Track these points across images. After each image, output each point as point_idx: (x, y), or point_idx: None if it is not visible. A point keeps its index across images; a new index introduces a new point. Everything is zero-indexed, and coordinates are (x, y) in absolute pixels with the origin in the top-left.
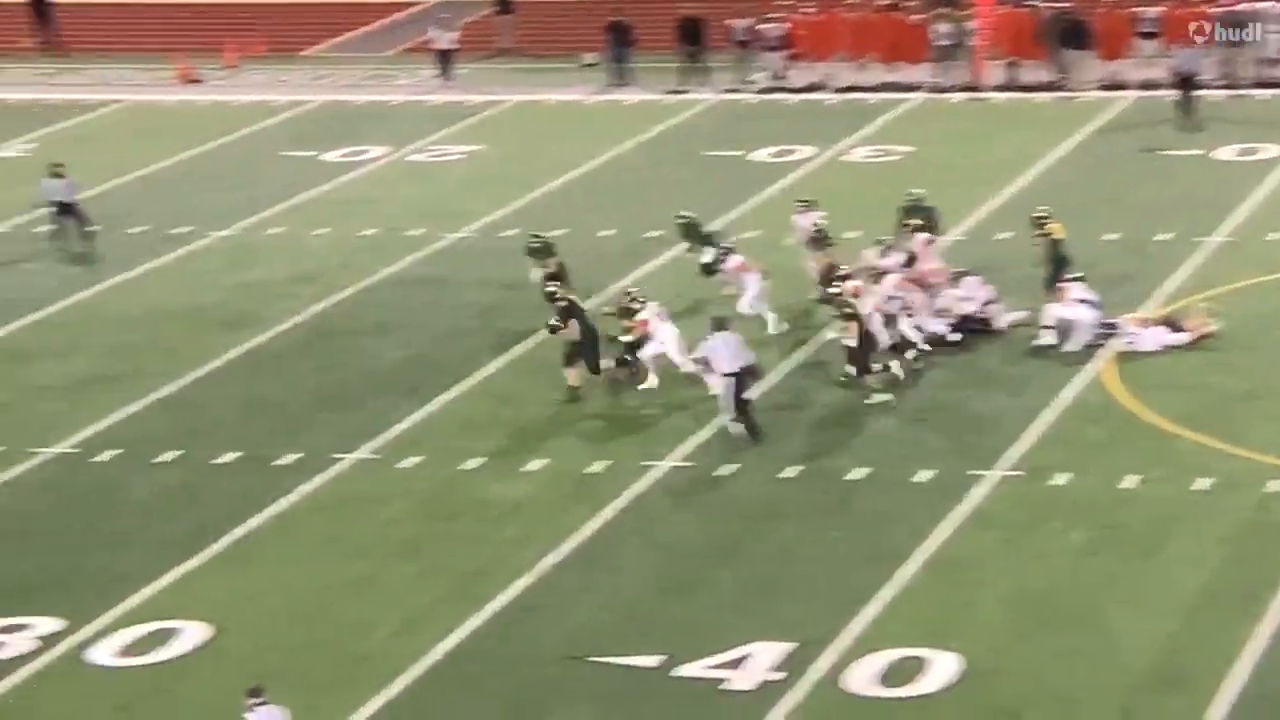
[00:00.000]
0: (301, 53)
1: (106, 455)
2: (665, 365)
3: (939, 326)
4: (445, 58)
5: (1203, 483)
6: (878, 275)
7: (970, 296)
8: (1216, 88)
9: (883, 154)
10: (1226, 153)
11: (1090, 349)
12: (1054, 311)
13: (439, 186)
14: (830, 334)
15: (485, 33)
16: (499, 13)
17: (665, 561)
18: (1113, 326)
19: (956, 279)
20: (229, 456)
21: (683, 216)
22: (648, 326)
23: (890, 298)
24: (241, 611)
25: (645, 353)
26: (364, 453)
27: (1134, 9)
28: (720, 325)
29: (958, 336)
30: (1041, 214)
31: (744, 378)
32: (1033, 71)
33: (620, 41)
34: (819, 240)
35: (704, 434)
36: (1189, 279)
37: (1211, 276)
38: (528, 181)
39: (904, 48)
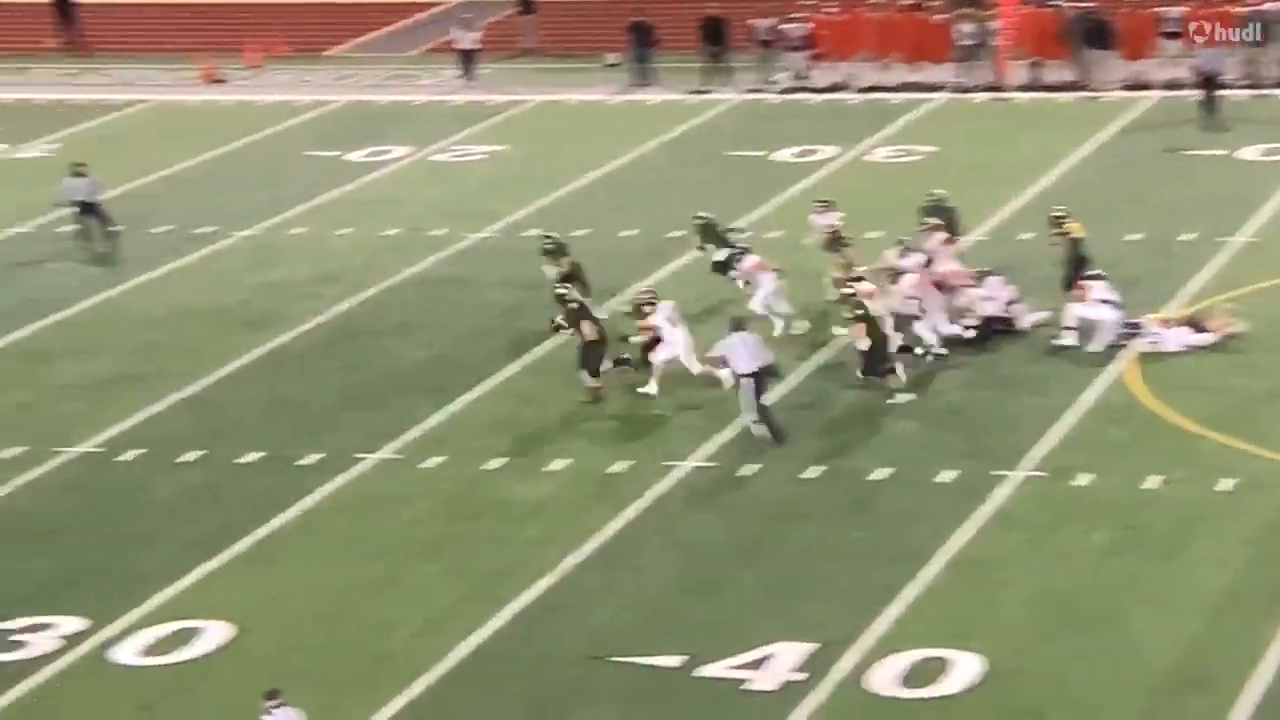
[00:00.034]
0: (325, 53)
1: (130, 455)
2: (677, 369)
3: (953, 328)
4: (468, 58)
5: (1226, 483)
6: (895, 275)
7: (993, 296)
8: (1240, 88)
9: (905, 154)
10: (1250, 153)
11: (1113, 349)
12: (1076, 311)
13: (462, 186)
14: (838, 331)
15: (508, 33)
16: (521, 13)
17: (687, 561)
18: (1136, 327)
19: (980, 279)
20: (252, 456)
21: (700, 217)
22: (656, 330)
23: (908, 299)
24: (264, 611)
25: (656, 357)
26: (386, 453)
27: (1157, 9)
28: (739, 325)
29: (971, 333)
30: (1060, 213)
31: (762, 378)
32: (1056, 71)
33: (643, 41)
34: (835, 241)
35: (726, 434)
36: (1212, 279)
37: (1235, 277)
38: (550, 181)
39: (927, 48)
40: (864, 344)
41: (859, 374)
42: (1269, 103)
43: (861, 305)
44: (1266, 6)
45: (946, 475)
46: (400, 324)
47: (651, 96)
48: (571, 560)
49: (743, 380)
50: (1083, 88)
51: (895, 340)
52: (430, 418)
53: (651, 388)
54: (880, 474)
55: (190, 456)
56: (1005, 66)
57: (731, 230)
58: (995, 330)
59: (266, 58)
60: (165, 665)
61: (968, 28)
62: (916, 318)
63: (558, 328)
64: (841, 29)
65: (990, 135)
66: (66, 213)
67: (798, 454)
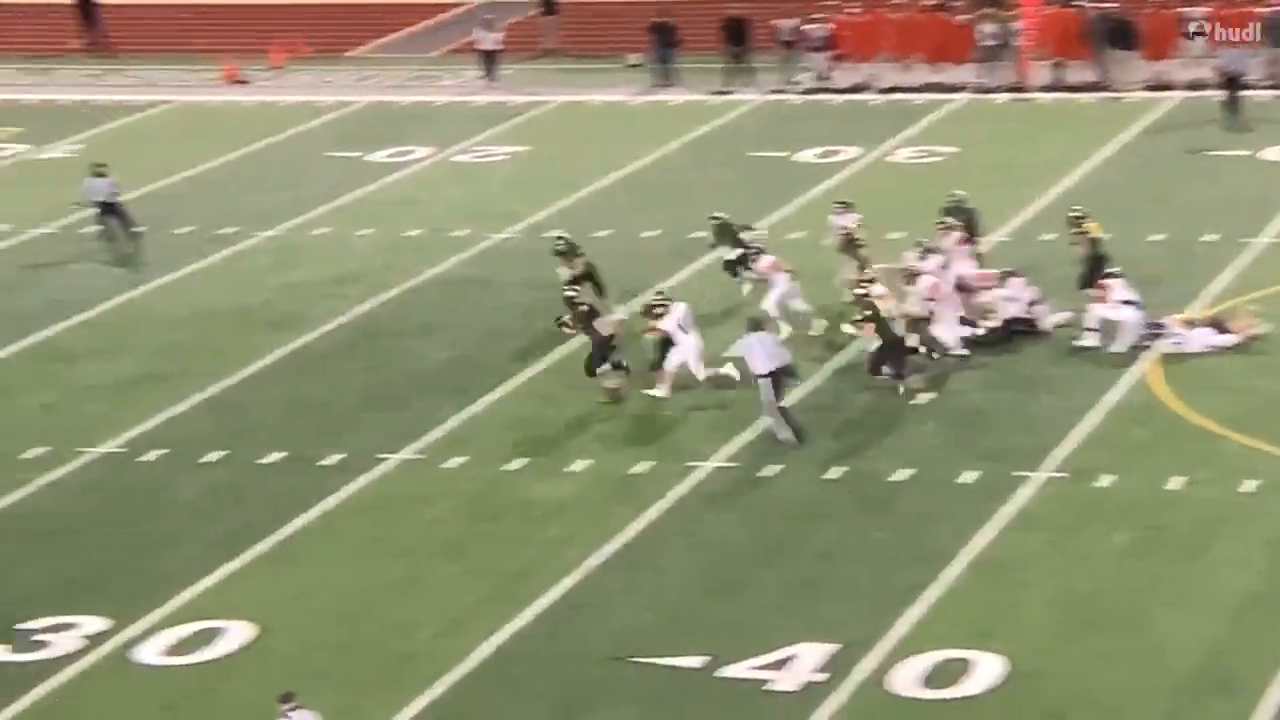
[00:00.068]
0: (347, 54)
1: (152, 455)
2: (687, 372)
3: (963, 331)
4: (490, 58)
5: (1249, 484)
6: (911, 277)
7: (1015, 297)
8: (1263, 88)
9: (927, 155)
10: (1273, 153)
11: (1135, 350)
12: (1097, 312)
13: (483, 187)
14: (846, 329)
15: (530, 33)
16: (544, 13)
17: (709, 562)
18: (1160, 327)
19: (1003, 279)
20: (274, 457)
21: (716, 217)
22: (665, 333)
23: (923, 300)
24: (286, 611)
25: (668, 361)
26: (408, 453)
27: (1180, 9)
28: (756, 325)
29: (982, 331)
30: (1078, 213)
31: (780, 378)
32: (1078, 72)
33: (665, 42)
34: (850, 243)
35: (747, 435)
36: (1235, 280)
37: (1258, 278)
38: (572, 182)
39: (949, 48)
40: (874, 343)
41: (868, 373)
42: None
43: (871, 305)
44: None
45: (968, 476)
46: (422, 324)
47: (673, 97)
48: (593, 560)
49: (760, 380)
50: (1105, 88)
51: (910, 341)
52: (452, 418)
53: (662, 391)
54: (902, 475)
55: (212, 457)
56: (1027, 67)
57: (747, 229)
58: (1017, 331)
59: (289, 58)
60: (187, 665)
61: (990, 28)
62: (926, 320)
63: (562, 325)
64: (863, 30)
65: (1012, 136)
66: (90, 214)
67: (819, 455)
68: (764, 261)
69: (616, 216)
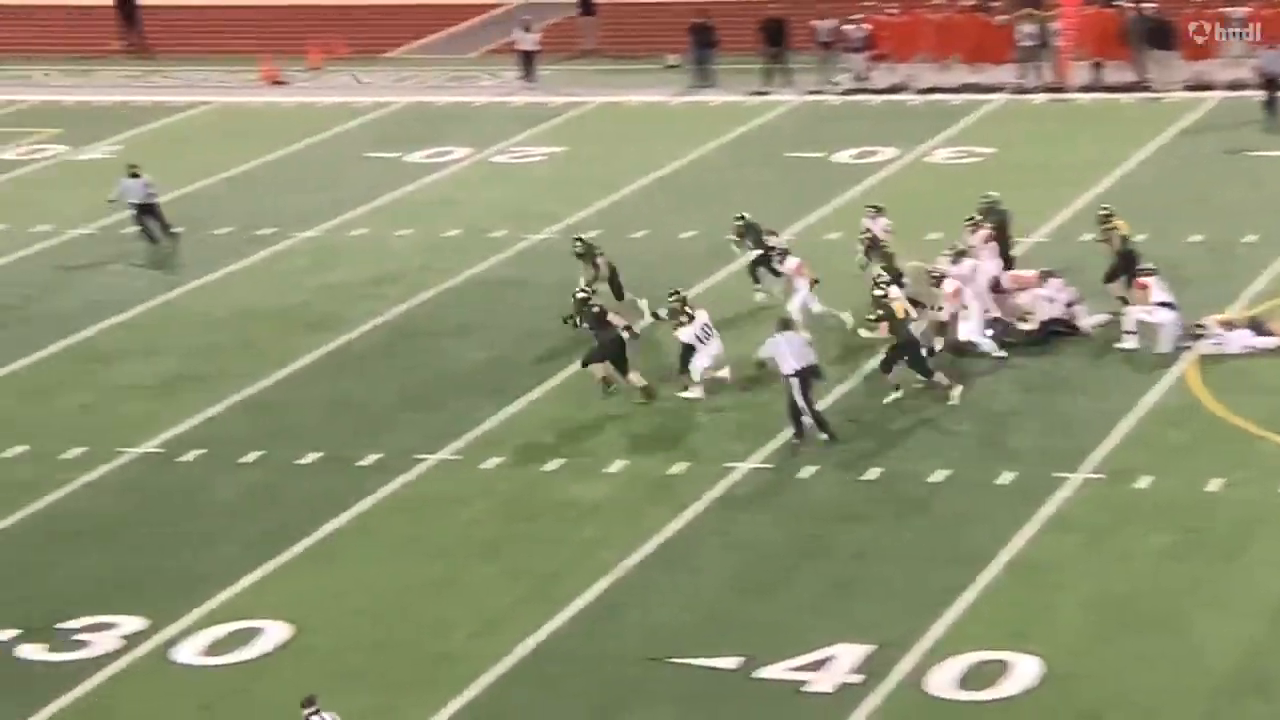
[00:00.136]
0: (386, 54)
1: (190, 455)
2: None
3: (986, 333)
4: (528, 59)
5: None
6: (938, 280)
7: (1053, 298)
8: None
9: (965, 155)
10: None
11: (1175, 350)
12: (1134, 314)
13: (521, 188)
14: (863, 333)
15: (568, 34)
16: (582, 14)
17: (745, 563)
18: (1201, 328)
19: (1042, 280)
20: (311, 457)
21: (741, 217)
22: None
23: (948, 300)
24: (323, 611)
25: (692, 366)
26: (445, 453)
27: (1221, 9)
28: (785, 325)
29: (1019, 327)
30: (1106, 211)
31: (808, 377)
32: (1117, 72)
33: (703, 43)
34: (872, 247)
35: (783, 436)
36: (1275, 281)
37: None
38: (610, 183)
39: (987, 48)
40: (886, 340)
41: (881, 371)
42: None
43: (886, 306)
44: None
45: (1005, 477)
46: (460, 325)
47: (711, 98)
48: (629, 561)
49: (788, 380)
50: (1144, 88)
51: (935, 343)
52: (489, 419)
53: (695, 393)
54: (938, 476)
55: (250, 457)
56: (1066, 67)
57: (771, 234)
58: (1055, 332)
59: (327, 59)
60: (225, 665)
61: (1028, 28)
62: (945, 323)
63: (568, 320)
64: (902, 30)
65: (1051, 136)
66: (127, 214)
67: (855, 455)
68: (790, 263)
69: (654, 217)
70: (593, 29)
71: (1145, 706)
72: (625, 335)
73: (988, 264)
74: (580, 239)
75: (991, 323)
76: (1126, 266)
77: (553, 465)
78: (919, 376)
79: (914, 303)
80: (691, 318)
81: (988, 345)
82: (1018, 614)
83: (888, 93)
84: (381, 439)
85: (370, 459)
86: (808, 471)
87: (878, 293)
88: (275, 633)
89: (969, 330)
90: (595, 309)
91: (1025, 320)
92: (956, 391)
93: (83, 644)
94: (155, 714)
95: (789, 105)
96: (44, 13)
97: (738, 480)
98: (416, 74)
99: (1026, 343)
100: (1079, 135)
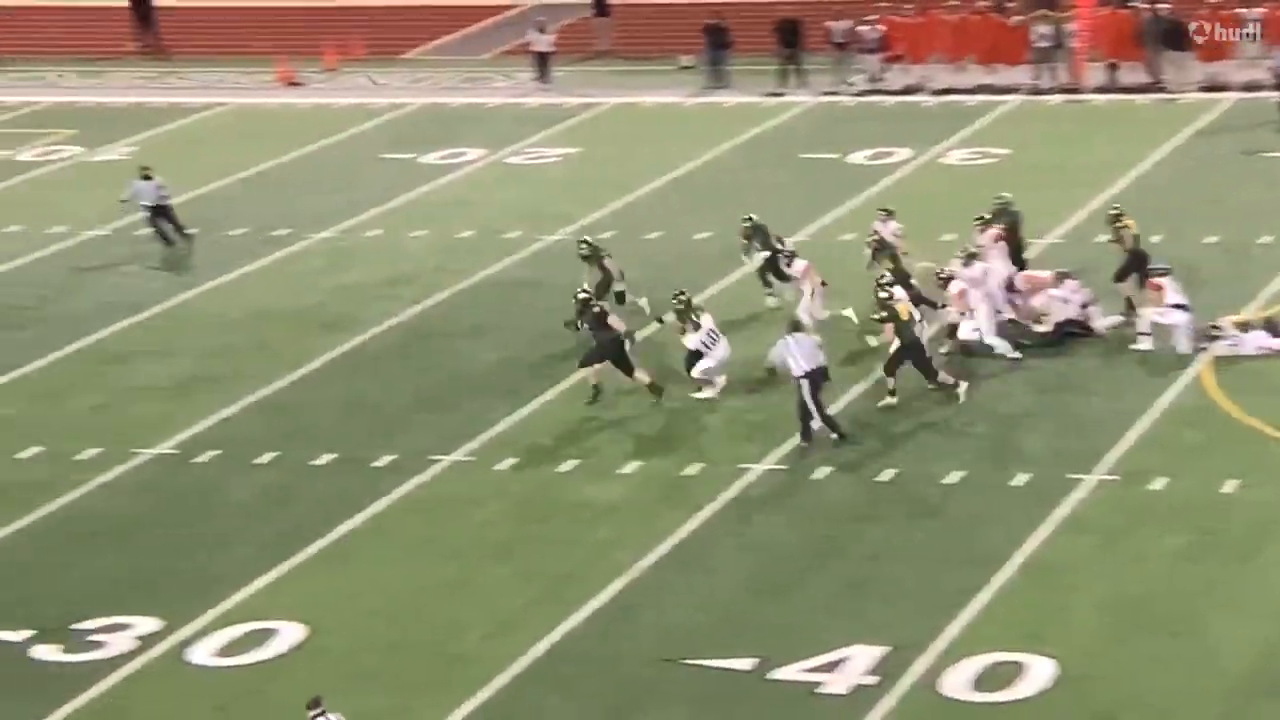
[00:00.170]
0: (401, 56)
1: (205, 456)
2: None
3: (972, 335)
4: (543, 60)
5: None
6: (945, 282)
7: (1068, 299)
8: None
9: (980, 156)
10: None
11: (1192, 351)
12: (1148, 316)
13: (536, 189)
14: (871, 340)
15: (583, 35)
16: (596, 15)
17: (760, 564)
18: (1216, 329)
19: (1058, 280)
20: (326, 458)
21: (749, 218)
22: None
23: (955, 301)
24: (337, 612)
25: (697, 369)
26: (459, 454)
27: (1236, 10)
28: (795, 327)
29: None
30: (1116, 210)
31: (818, 378)
32: (1132, 73)
33: (717, 44)
34: (880, 249)
35: (797, 437)
36: None
37: None
38: (624, 184)
39: (1002, 49)
40: (892, 341)
41: (885, 373)
42: None
43: (890, 307)
44: None
45: (1020, 478)
46: (474, 326)
47: (726, 99)
48: (643, 562)
49: (798, 381)
50: (1160, 89)
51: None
52: (503, 420)
53: (710, 392)
54: (953, 477)
55: (265, 458)
56: (1081, 68)
57: (780, 241)
58: (1070, 333)
59: (343, 61)
60: (239, 666)
61: (1044, 29)
62: (956, 325)
63: (569, 324)
64: (917, 31)
65: (1066, 137)
66: (140, 215)
67: (869, 457)
68: (798, 265)
69: (669, 218)
70: (607, 30)
71: (1160, 708)
72: (625, 341)
73: (996, 264)
74: (586, 241)
75: (1005, 324)
76: (1137, 265)
77: (567, 466)
78: (925, 379)
79: (927, 303)
80: (697, 325)
81: (1002, 346)
82: (1032, 615)
83: (903, 94)
84: (396, 440)
85: (385, 460)
86: (822, 473)
87: (882, 295)
88: (290, 634)
89: (969, 330)
90: (597, 309)
91: (1040, 322)
92: (963, 388)
93: (98, 645)
94: (170, 715)
95: (803, 106)
96: (59, 14)
97: (752, 481)
98: (431, 75)
99: (1041, 344)
100: (1094, 136)
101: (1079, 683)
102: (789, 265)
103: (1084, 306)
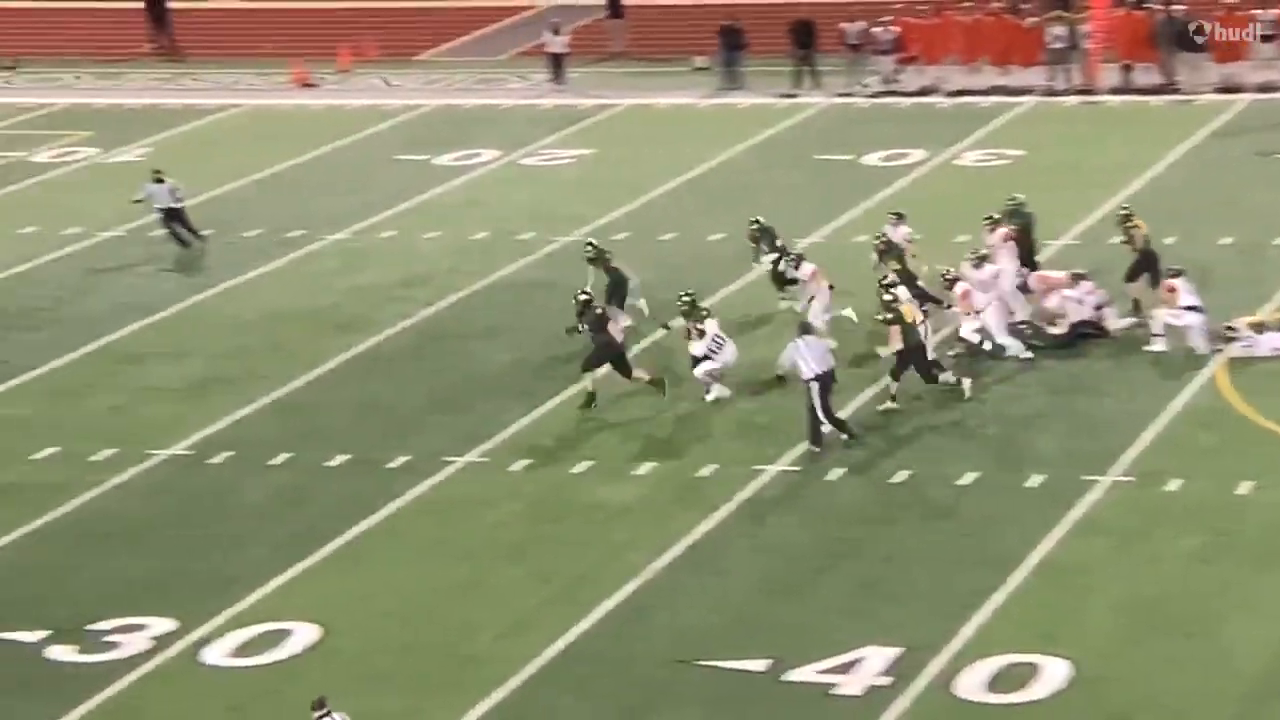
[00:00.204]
0: (415, 57)
1: (220, 457)
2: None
3: (973, 336)
4: (557, 61)
5: None
6: (950, 282)
7: (1082, 300)
8: None
9: (994, 158)
10: None
11: (1209, 351)
12: (1162, 318)
13: (550, 190)
14: (881, 350)
15: (597, 36)
16: (611, 16)
17: (774, 565)
18: (1231, 330)
19: (1074, 282)
20: (340, 459)
21: (756, 221)
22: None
23: (960, 302)
24: (351, 613)
25: (700, 369)
26: (473, 456)
27: (1252, 11)
28: (806, 329)
29: (988, 345)
30: (1126, 211)
31: (827, 382)
32: (1147, 74)
33: (732, 45)
34: (887, 250)
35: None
36: None
37: None
38: (638, 185)
39: (1017, 51)
40: (896, 345)
41: (891, 379)
42: None
43: (895, 309)
44: None
45: (1034, 480)
46: (488, 327)
47: (740, 100)
48: (657, 563)
49: (809, 384)
50: (1174, 90)
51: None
52: (516, 421)
53: (722, 391)
54: (966, 479)
55: (279, 459)
56: (1096, 69)
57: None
58: (1084, 334)
59: (357, 62)
60: (254, 667)
61: (1058, 30)
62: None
63: (571, 331)
64: (931, 32)
65: (1080, 138)
66: (156, 217)
67: (883, 458)
68: (806, 269)
69: (683, 219)
70: (621, 31)
71: (1175, 709)
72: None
73: (1005, 264)
74: (591, 243)
75: (1019, 325)
76: (1147, 266)
77: (580, 468)
78: (924, 381)
79: (934, 302)
80: (702, 332)
81: (1014, 346)
82: (1047, 617)
83: (917, 95)
84: (410, 441)
85: (398, 461)
86: (835, 474)
87: (887, 298)
88: (304, 634)
89: (970, 330)
90: (599, 311)
91: (1055, 324)
92: (967, 384)
93: (112, 645)
94: (184, 715)
95: (818, 107)
96: (74, 16)
97: (766, 483)
98: (446, 77)
99: (1054, 346)
100: (1109, 138)
101: (1094, 684)
102: (796, 268)
103: (1098, 308)
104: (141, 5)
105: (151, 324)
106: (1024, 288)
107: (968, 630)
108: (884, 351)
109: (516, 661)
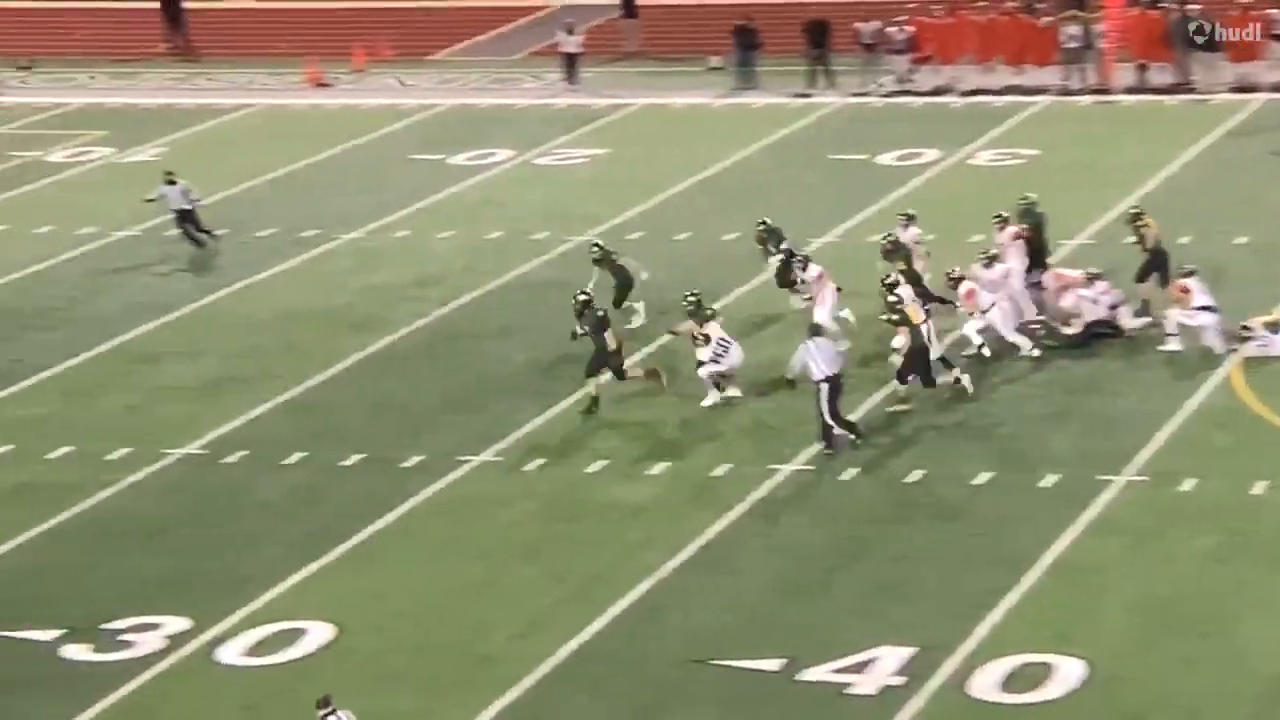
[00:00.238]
0: (429, 57)
1: (234, 457)
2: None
3: (975, 336)
4: (571, 61)
5: None
6: (955, 281)
7: (1097, 299)
8: None
9: (1009, 157)
10: None
11: (1225, 350)
12: (1175, 318)
13: (564, 189)
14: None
15: (611, 36)
16: (625, 16)
17: (788, 565)
18: (1246, 330)
19: (1089, 281)
20: (354, 458)
21: (764, 222)
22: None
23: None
24: (365, 612)
25: (703, 370)
26: (487, 455)
27: (1267, 11)
28: (815, 331)
29: (987, 351)
30: (1136, 210)
31: (837, 384)
32: (1162, 74)
33: (746, 45)
34: (893, 250)
35: (821, 443)
36: None
37: None
38: (653, 185)
39: (1031, 50)
40: (899, 343)
41: (897, 381)
42: None
43: (900, 311)
44: None
45: (1048, 479)
46: (502, 327)
47: (754, 100)
48: (671, 563)
49: (819, 386)
50: (1189, 90)
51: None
52: (530, 421)
53: (733, 390)
54: (980, 478)
55: (293, 458)
56: (1110, 69)
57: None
58: (1099, 334)
59: (371, 62)
60: (268, 666)
61: (1073, 30)
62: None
63: (575, 335)
64: (945, 32)
65: (1095, 138)
66: (168, 216)
67: (896, 458)
68: (812, 271)
69: (697, 219)
70: (635, 31)
71: (1189, 709)
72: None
73: (1014, 262)
74: (597, 244)
75: (1031, 324)
76: (1158, 265)
77: (594, 467)
78: (927, 385)
79: (939, 301)
80: (707, 337)
81: (1024, 344)
82: (1061, 616)
83: (931, 95)
84: (424, 440)
85: (412, 460)
86: (849, 474)
87: (891, 298)
88: (318, 634)
89: (972, 329)
90: (600, 312)
91: (1070, 324)
92: (966, 379)
93: (127, 644)
94: (199, 714)
95: (832, 107)
96: (89, 16)
97: (779, 483)
98: (460, 76)
99: (1069, 345)
100: (1123, 137)
101: (1108, 684)
102: (804, 270)
103: (1113, 308)
104: (156, 5)
105: (166, 323)
106: (1038, 286)
107: (982, 630)
108: (896, 359)
109: (530, 661)
